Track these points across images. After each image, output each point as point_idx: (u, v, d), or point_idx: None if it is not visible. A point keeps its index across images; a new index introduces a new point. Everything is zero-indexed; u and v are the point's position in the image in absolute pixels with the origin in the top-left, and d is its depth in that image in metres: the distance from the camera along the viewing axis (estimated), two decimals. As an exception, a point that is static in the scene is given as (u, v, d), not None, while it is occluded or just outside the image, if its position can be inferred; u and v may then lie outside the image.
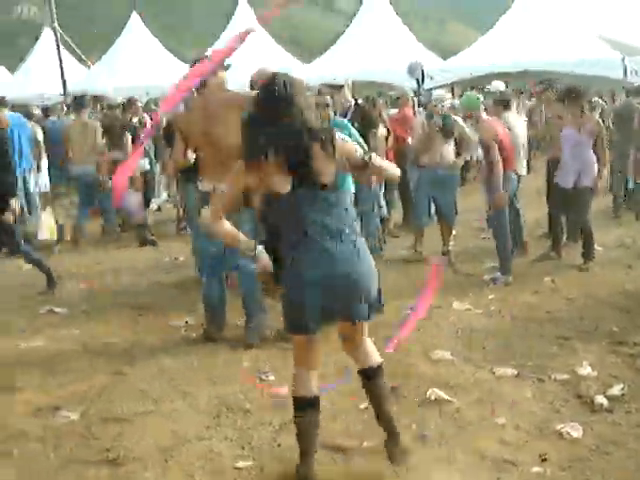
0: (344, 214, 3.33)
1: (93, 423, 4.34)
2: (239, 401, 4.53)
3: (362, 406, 4.16)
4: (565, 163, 7.46)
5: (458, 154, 8.03)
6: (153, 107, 13.56)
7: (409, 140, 9.27)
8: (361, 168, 3.36)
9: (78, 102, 9.81)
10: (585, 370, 4.79)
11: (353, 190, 6.21)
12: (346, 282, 3.30)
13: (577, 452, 3.77)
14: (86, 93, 10.60)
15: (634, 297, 6.39)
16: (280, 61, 20.35)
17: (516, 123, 7.88)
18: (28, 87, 24.17)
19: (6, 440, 4.18)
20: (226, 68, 5.45)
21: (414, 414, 4.25)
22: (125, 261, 8.73)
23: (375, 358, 3.63)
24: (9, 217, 6.74)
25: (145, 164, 10.00)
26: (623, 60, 16.49)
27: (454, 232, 8.23)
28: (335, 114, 7.18)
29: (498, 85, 9.82)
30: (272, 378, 4.85)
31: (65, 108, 13.37)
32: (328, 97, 6.86)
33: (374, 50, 20.76)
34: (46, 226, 9.75)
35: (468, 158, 8.79)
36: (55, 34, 23.27)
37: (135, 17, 26.05)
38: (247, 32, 4.83)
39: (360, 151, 3.35)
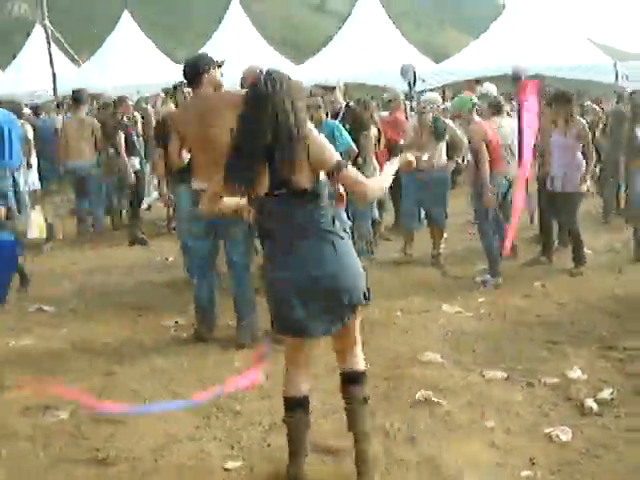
0: (322, 215, 3.29)
1: (83, 422, 4.32)
2: (229, 402, 4.51)
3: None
4: (553, 167, 7.51)
5: (449, 157, 8.06)
6: (144, 105, 13.51)
7: (401, 142, 9.28)
8: (328, 176, 3.25)
9: (76, 98, 9.78)
10: (575, 374, 4.80)
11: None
12: (324, 283, 3.26)
13: (567, 456, 3.78)
14: (84, 89, 10.52)
15: (624, 302, 6.41)
16: (272, 62, 20.33)
17: (507, 127, 7.93)
18: (19, 84, 24.09)
19: (-5, 439, 4.16)
20: (220, 64, 5.45)
21: (404, 416, 4.25)
22: (115, 260, 8.70)
23: (361, 364, 3.61)
24: None
25: (136, 163, 9.97)
26: (615, 65, 16.58)
27: (445, 235, 8.25)
28: (327, 115, 7.19)
29: (489, 87, 9.80)
30: (263, 378, 4.84)
31: (56, 106, 13.33)
32: (319, 99, 6.87)
33: (366, 52, 20.78)
34: (35, 224, 9.68)
35: (460, 161, 8.81)
36: (46, 31, 23.17)
37: (126, 16, 25.98)
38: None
39: (334, 159, 3.22)
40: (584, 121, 7.68)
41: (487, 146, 7.06)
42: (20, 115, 10.72)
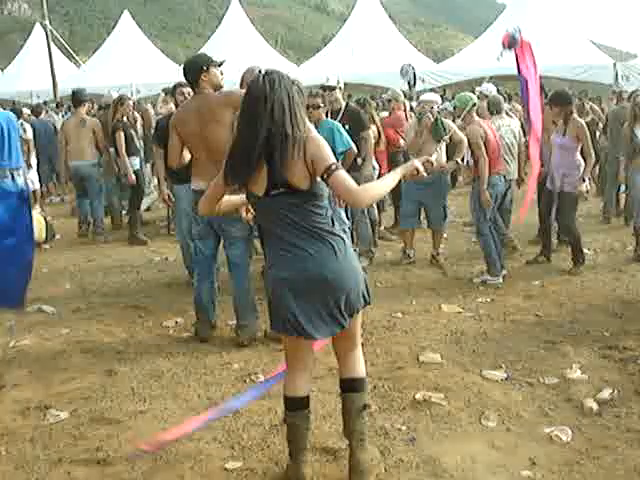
0: (320, 215, 3.28)
1: (83, 423, 4.31)
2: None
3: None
4: (552, 167, 7.51)
5: (449, 157, 8.05)
6: (144, 105, 13.51)
7: (401, 142, 9.29)
8: (321, 178, 3.18)
9: (77, 97, 9.78)
10: (575, 374, 4.80)
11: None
12: (322, 283, 3.25)
13: (567, 456, 3.77)
14: (84, 89, 10.53)
15: (624, 302, 6.42)
16: (272, 62, 20.35)
17: (506, 127, 7.93)
18: (18, 84, 24.11)
19: (-6, 439, 4.16)
20: (220, 64, 5.44)
21: (404, 416, 4.25)
22: (115, 260, 8.70)
23: (360, 370, 3.59)
24: None
25: (136, 163, 9.96)
26: (614, 66, 16.61)
27: (445, 235, 8.25)
28: (327, 115, 7.19)
29: (489, 87, 9.79)
30: (262, 378, 4.84)
31: (56, 106, 13.34)
32: (319, 99, 6.87)
33: (366, 52, 20.80)
34: (35, 224, 9.69)
35: (460, 160, 8.80)
36: (45, 31, 23.17)
37: (126, 16, 26.01)
38: None
39: (328, 162, 3.15)
40: (583, 121, 7.68)
41: (486, 146, 7.07)
42: (20, 115, 10.76)
